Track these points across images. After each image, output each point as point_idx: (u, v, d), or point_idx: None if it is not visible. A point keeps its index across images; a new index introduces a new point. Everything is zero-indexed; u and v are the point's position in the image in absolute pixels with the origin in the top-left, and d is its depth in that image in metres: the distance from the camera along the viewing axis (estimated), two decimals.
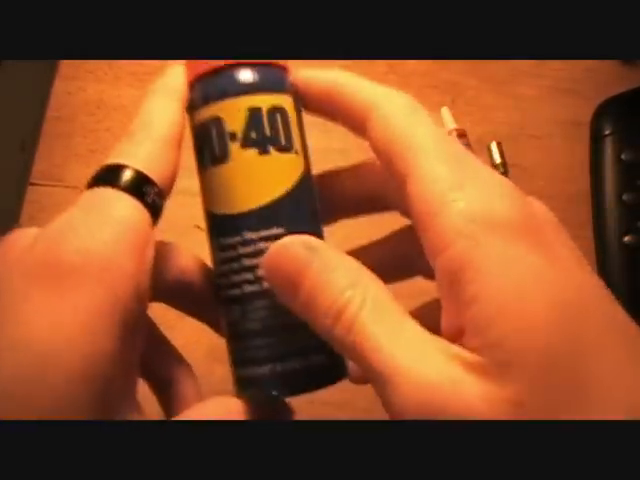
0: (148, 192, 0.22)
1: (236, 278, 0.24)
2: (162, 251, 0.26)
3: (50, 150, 0.51)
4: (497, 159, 0.53)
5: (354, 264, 0.20)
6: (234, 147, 0.24)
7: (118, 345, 0.19)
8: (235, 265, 0.24)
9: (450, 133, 0.53)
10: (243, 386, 0.24)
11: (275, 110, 0.24)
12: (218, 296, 0.25)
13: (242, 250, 0.23)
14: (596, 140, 0.53)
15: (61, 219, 0.20)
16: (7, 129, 0.51)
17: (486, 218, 0.18)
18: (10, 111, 0.51)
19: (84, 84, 0.54)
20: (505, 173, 0.53)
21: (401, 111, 0.21)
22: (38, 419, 0.17)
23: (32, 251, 0.19)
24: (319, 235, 0.25)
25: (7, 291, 0.18)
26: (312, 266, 0.20)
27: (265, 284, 0.23)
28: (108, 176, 0.21)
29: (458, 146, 0.20)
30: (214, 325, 0.26)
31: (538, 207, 0.20)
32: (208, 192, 0.25)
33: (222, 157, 0.24)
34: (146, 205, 0.22)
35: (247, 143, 0.23)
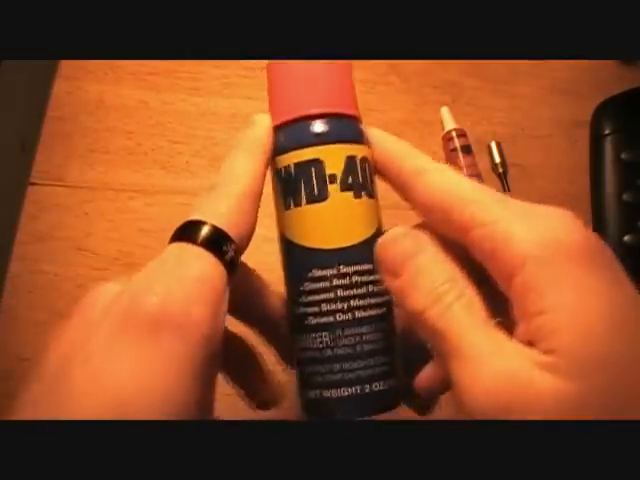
0: (226, 249, 0.23)
1: (328, 307, 0.26)
2: (251, 281, 0.29)
3: (50, 150, 0.51)
4: (497, 159, 0.53)
5: (454, 265, 0.23)
6: (333, 188, 0.26)
7: (192, 392, 0.20)
8: (329, 295, 0.26)
9: (450, 133, 0.53)
10: (318, 408, 0.26)
11: (365, 160, 0.27)
12: (300, 324, 0.27)
13: (337, 282, 0.26)
14: (596, 140, 0.53)
15: (144, 273, 0.22)
16: (7, 129, 0.51)
17: (551, 243, 0.20)
18: (10, 111, 0.51)
19: (84, 84, 0.54)
20: (505, 173, 0.53)
21: (445, 171, 0.24)
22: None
23: (118, 303, 0.21)
24: None
25: (94, 338, 0.20)
26: (420, 254, 0.23)
27: (357, 314, 0.26)
28: (189, 232, 0.23)
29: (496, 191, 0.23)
30: (280, 350, 0.29)
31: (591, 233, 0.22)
32: (299, 228, 0.27)
33: (320, 197, 0.26)
34: (223, 262, 0.23)
35: (344, 186, 0.26)
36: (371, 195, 0.27)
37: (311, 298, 0.27)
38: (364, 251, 0.26)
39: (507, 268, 0.21)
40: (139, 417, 0.18)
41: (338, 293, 0.26)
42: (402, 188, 0.25)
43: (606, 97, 0.54)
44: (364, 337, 0.26)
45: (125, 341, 0.20)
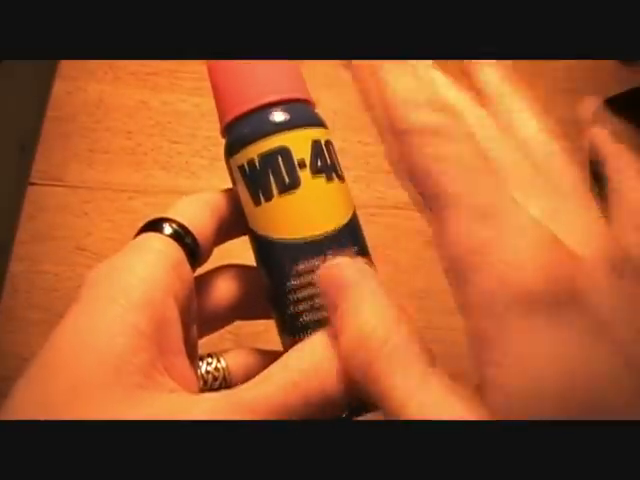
0: (183, 235, 0.25)
1: (321, 300, 0.24)
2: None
3: (50, 150, 0.51)
4: None
5: (392, 303, 0.21)
6: (304, 174, 0.25)
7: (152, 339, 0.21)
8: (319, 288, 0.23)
9: None
10: None
11: (329, 143, 0.26)
12: (292, 324, 0.25)
13: None
14: None
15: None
16: (7, 129, 0.51)
17: (507, 293, 0.18)
18: (10, 111, 0.51)
19: (84, 84, 0.54)
20: None
21: None
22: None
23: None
24: (370, 258, 0.27)
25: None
26: (353, 289, 0.20)
27: None
28: (153, 225, 0.25)
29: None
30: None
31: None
32: (275, 221, 0.25)
33: (292, 185, 0.25)
34: (182, 245, 0.24)
35: (315, 170, 0.25)
36: (341, 177, 0.26)
37: (300, 294, 0.25)
38: (348, 234, 0.25)
39: (463, 306, 0.20)
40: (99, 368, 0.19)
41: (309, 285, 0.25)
42: None
43: (606, 97, 0.54)
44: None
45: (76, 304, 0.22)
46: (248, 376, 0.27)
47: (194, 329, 0.26)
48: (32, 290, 0.47)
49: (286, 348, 0.26)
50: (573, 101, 0.59)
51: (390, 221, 0.50)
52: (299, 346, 0.21)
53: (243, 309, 0.29)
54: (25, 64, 0.50)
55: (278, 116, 0.25)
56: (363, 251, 0.26)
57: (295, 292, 0.25)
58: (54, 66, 0.54)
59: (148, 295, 0.21)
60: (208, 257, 0.27)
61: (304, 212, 0.25)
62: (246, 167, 0.26)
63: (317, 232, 0.25)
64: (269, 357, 0.29)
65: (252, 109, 0.25)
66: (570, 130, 0.57)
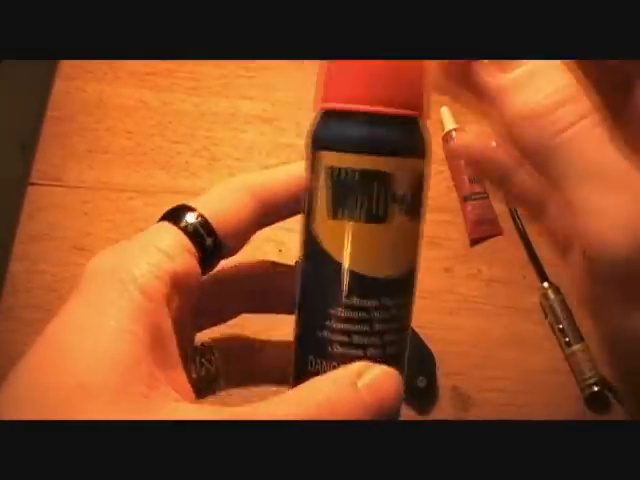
0: (189, 221, 0.23)
1: (361, 340, 0.23)
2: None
3: (50, 150, 0.51)
4: None
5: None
6: (394, 210, 0.22)
7: (133, 346, 0.20)
8: (364, 327, 0.23)
9: (450, 133, 0.53)
10: None
11: (426, 178, 0.23)
12: (320, 347, 0.24)
13: (376, 314, 0.23)
14: None
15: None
16: (7, 129, 0.51)
17: None
18: (10, 111, 0.51)
19: (84, 84, 0.54)
20: None
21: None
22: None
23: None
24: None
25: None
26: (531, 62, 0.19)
27: (389, 349, 0.23)
28: (175, 214, 0.23)
29: None
30: None
31: None
32: (345, 245, 0.23)
33: (379, 217, 0.22)
34: (186, 233, 0.23)
35: (405, 208, 0.22)
36: (420, 218, 0.23)
37: (342, 326, 0.23)
38: (410, 283, 0.24)
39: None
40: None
41: (375, 327, 0.23)
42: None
43: None
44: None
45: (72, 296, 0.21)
46: (241, 369, 0.28)
47: (190, 329, 0.25)
48: (31, 290, 0.47)
49: (298, 363, 0.24)
50: None
51: None
52: (323, 378, 0.20)
53: (251, 303, 0.28)
54: (25, 64, 0.50)
55: (397, 136, 0.22)
56: (412, 297, 0.24)
57: (337, 322, 0.23)
58: (54, 66, 0.54)
59: (145, 305, 0.21)
60: (239, 248, 0.25)
61: (378, 249, 0.23)
62: (339, 173, 0.22)
63: (381, 274, 0.23)
64: (265, 348, 0.28)
65: (373, 112, 0.22)
66: None
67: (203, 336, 0.28)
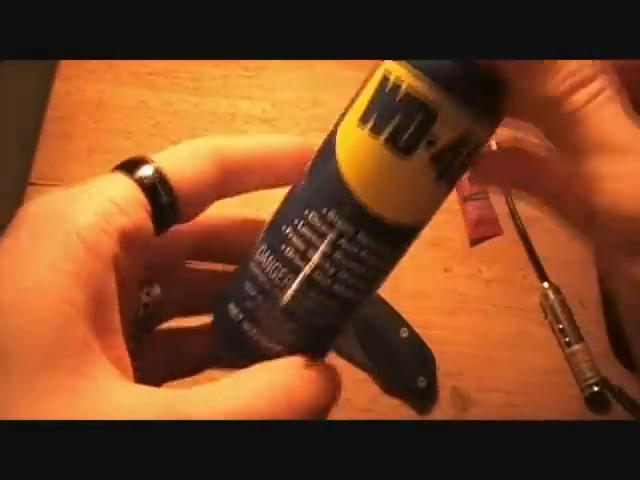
0: (147, 175, 0.21)
1: (314, 256, 0.21)
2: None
3: (50, 150, 0.51)
4: None
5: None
6: (423, 152, 0.20)
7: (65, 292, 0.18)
8: (326, 248, 0.21)
9: None
10: (230, 328, 0.23)
11: (477, 147, 0.21)
12: (274, 241, 0.22)
13: (344, 243, 0.21)
14: None
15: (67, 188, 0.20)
16: (7, 129, 0.51)
17: None
18: (10, 111, 0.51)
19: (84, 84, 0.54)
20: None
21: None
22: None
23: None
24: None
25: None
26: None
27: (336, 287, 0.21)
28: (129, 165, 0.22)
29: None
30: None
31: None
32: (355, 157, 0.21)
33: (405, 150, 0.20)
34: (140, 185, 0.21)
35: (436, 160, 0.20)
36: (451, 186, 0.22)
37: (306, 232, 0.21)
38: (396, 237, 0.22)
39: None
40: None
41: (335, 255, 0.21)
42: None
43: None
44: (322, 311, 0.22)
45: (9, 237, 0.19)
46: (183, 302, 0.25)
47: (135, 292, 0.23)
48: None
49: (252, 249, 0.23)
50: None
51: None
52: (266, 365, 0.20)
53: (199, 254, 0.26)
54: (25, 64, 0.50)
55: (468, 84, 0.20)
56: (392, 260, 0.22)
57: (303, 226, 0.21)
58: (54, 66, 0.54)
59: (89, 265, 0.18)
60: (194, 215, 0.23)
61: (384, 180, 0.21)
62: (389, 84, 0.20)
63: (373, 207, 0.21)
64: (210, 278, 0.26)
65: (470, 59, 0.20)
66: None
67: None
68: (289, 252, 0.22)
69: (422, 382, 0.44)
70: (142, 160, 0.22)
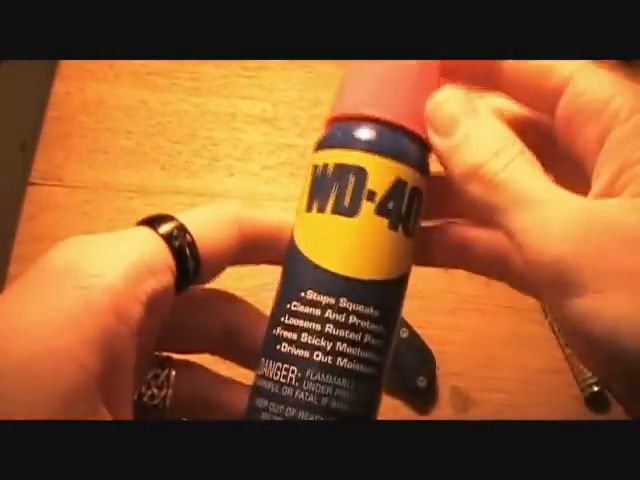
0: (177, 236, 0.21)
1: (309, 339, 0.21)
2: (210, 297, 0.25)
3: (50, 150, 0.51)
4: None
5: (509, 128, 0.21)
6: (367, 207, 0.22)
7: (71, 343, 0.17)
8: (315, 326, 0.21)
9: None
10: None
11: (416, 192, 0.23)
12: (270, 347, 0.22)
13: (330, 314, 0.21)
14: None
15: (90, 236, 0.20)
16: (7, 129, 0.51)
17: None
18: (10, 111, 0.51)
19: (84, 84, 0.54)
20: None
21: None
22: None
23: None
24: (395, 336, 0.23)
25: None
26: (475, 113, 0.21)
27: (339, 361, 0.21)
28: (152, 220, 0.22)
29: None
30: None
31: None
32: (311, 236, 0.23)
33: (350, 210, 0.22)
34: (170, 247, 0.21)
35: (381, 210, 0.22)
36: (409, 234, 0.23)
37: (294, 321, 0.22)
38: (376, 293, 0.22)
39: (600, 127, 0.19)
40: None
41: (326, 329, 0.21)
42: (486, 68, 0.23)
43: None
44: (336, 392, 0.21)
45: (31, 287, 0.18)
46: (192, 403, 0.24)
47: (152, 346, 0.23)
48: None
49: (256, 369, 0.23)
50: None
51: None
52: None
53: (222, 345, 0.25)
54: (25, 64, 0.50)
55: (372, 134, 0.22)
56: (384, 319, 0.22)
57: (289, 317, 0.22)
58: (54, 66, 0.54)
59: (110, 326, 0.17)
60: (210, 279, 0.24)
61: (343, 244, 0.22)
62: (319, 169, 0.23)
63: (343, 271, 0.22)
64: (225, 386, 0.25)
65: (352, 115, 0.23)
66: None
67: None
68: (284, 348, 0.22)
69: (422, 382, 0.44)
70: (169, 218, 0.22)
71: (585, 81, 0.20)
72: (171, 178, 0.51)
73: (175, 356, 0.25)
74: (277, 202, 0.51)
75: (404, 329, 0.45)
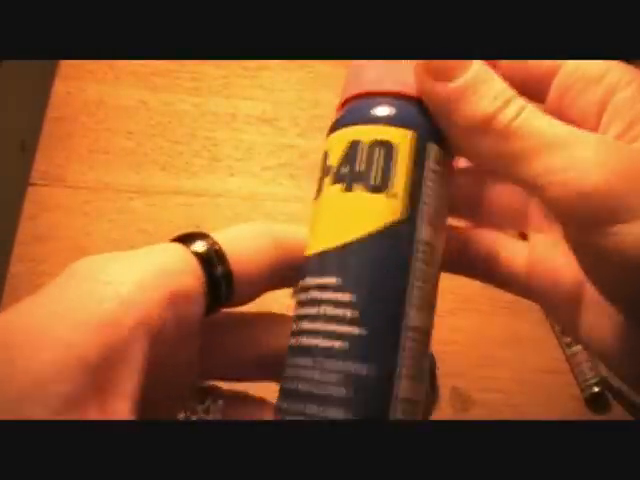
0: (213, 260, 0.21)
1: (309, 326, 0.20)
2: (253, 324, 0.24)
3: (50, 150, 0.51)
4: None
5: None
6: (326, 182, 0.21)
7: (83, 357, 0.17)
8: (311, 310, 0.20)
9: None
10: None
11: (378, 144, 0.21)
12: (290, 344, 0.21)
13: (300, 296, 0.21)
14: None
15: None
16: (7, 129, 0.51)
17: None
18: (10, 111, 0.51)
19: (84, 84, 0.54)
20: None
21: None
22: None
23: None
24: (392, 300, 0.20)
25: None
26: (476, 63, 0.20)
27: (304, 340, 0.20)
28: (187, 237, 0.21)
29: None
30: None
31: None
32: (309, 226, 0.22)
33: (317, 192, 0.22)
34: (196, 255, 0.21)
35: (335, 178, 0.21)
36: (375, 188, 0.20)
37: (296, 312, 0.21)
38: (332, 260, 0.20)
39: (601, 91, 0.19)
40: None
41: (296, 311, 0.21)
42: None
43: None
44: (301, 373, 0.20)
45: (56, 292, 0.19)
46: None
47: (183, 372, 0.22)
48: (32, 291, 0.46)
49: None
50: None
51: None
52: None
53: (271, 368, 0.24)
54: (25, 64, 0.50)
55: (338, 116, 0.22)
56: (352, 284, 0.20)
57: (295, 308, 0.21)
58: (54, 66, 0.54)
59: (114, 317, 0.18)
60: (252, 298, 0.23)
61: (313, 225, 0.22)
62: (323, 156, 0.23)
63: (309, 252, 0.21)
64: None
65: (341, 104, 0.23)
66: None
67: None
68: (304, 340, 0.20)
69: None
70: (198, 234, 0.21)
71: (577, 62, 0.20)
72: (171, 178, 0.51)
73: (224, 386, 0.25)
74: (277, 202, 0.51)
75: None
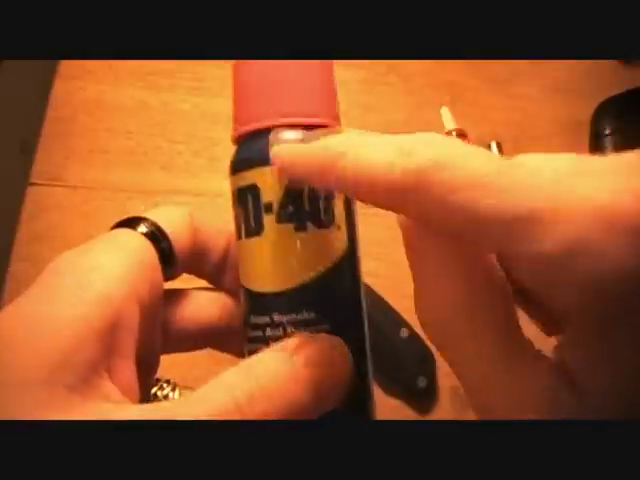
0: (159, 238, 0.23)
1: None
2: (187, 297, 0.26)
3: (50, 150, 0.51)
4: None
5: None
6: (268, 220, 0.22)
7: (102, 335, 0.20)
8: (263, 347, 0.21)
9: (450, 133, 0.53)
10: None
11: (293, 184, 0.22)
12: None
13: (270, 332, 0.22)
14: (596, 139, 0.53)
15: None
16: (7, 129, 0.51)
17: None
18: (10, 111, 0.51)
19: (84, 84, 0.54)
20: None
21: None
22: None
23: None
24: (358, 321, 0.23)
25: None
26: (364, 135, 0.19)
27: None
28: (127, 222, 0.24)
29: None
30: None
31: None
32: (242, 264, 0.23)
33: (257, 230, 0.22)
34: (156, 247, 0.23)
35: (283, 217, 0.22)
36: (325, 224, 0.22)
37: (250, 347, 0.22)
38: (306, 296, 0.22)
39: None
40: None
41: (270, 345, 0.21)
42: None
43: (606, 97, 0.54)
44: None
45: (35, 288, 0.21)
46: None
47: (157, 339, 0.24)
48: None
49: None
50: (573, 101, 0.59)
51: (390, 221, 0.50)
52: (244, 363, 0.20)
53: (216, 338, 0.26)
54: (25, 64, 0.50)
55: (256, 148, 0.23)
56: (326, 316, 0.22)
57: (247, 343, 0.23)
58: (54, 66, 0.54)
59: (108, 291, 0.20)
60: (183, 270, 0.25)
61: (260, 263, 0.22)
62: (233, 195, 0.24)
63: (268, 288, 0.22)
64: None
65: (240, 136, 0.24)
66: (570, 130, 0.57)
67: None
68: None
69: (422, 382, 0.44)
70: (137, 218, 0.24)
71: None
72: (171, 178, 0.51)
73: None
74: None
75: (404, 329, 0.45)
